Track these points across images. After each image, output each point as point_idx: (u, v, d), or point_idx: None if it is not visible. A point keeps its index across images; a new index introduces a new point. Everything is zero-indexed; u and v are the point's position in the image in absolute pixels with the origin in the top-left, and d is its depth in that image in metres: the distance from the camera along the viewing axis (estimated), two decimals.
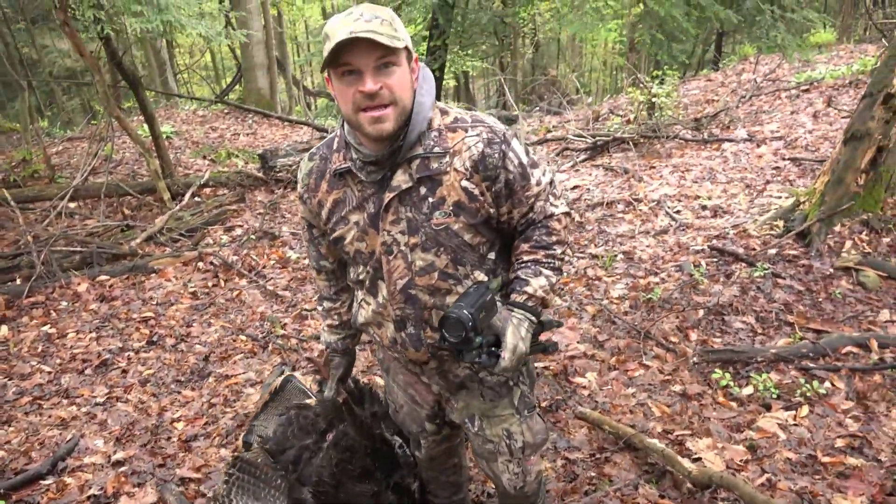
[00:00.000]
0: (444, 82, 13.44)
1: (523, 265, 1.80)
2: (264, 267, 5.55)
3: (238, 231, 6.38)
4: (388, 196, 1.68)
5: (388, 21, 1.54)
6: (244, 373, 3.99)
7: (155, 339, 4.46)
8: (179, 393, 3.82)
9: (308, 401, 2.55)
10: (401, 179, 1.67)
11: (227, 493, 2.17)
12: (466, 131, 1.68)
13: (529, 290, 1.76)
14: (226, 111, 12.24)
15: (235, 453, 2.37)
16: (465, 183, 1.67)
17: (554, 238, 1.80)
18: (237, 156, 9.11)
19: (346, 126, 1.71)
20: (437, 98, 3.04)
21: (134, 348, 4.34)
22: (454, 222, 1.69)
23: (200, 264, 5.56)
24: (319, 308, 2.16)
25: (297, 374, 3.90)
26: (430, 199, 1.67)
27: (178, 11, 5.71)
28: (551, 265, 1.80)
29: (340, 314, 2.11)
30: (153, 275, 5.40)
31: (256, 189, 7.60)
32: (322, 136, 8.52)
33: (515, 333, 1.72)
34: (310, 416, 2.33)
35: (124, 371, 4.07)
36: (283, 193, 7.42)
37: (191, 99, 14.62)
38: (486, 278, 1.80)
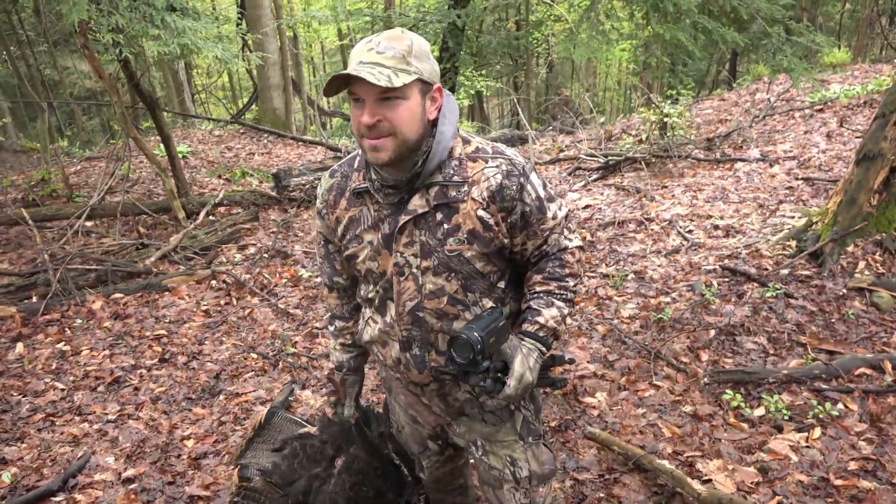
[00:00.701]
0: (459, 101, 13.44)
1: (536, 296, 1.81)
2: (276, 285, 5.59)
3: (251, 250, 6.43)
4: (403, 218, 1.69)
5: (401, 55, 1.54)
6: (254, 391, 4.01)
7: (167, 356, 4.49)
8: (190, 410, 3.84)
9: (305, 429, 2.55)
10: (417, 204, 1.69)
11: None
12: (486, 162, 1.70)
13: (541, 320, 1.76)
14: (241, 131, 12.39)
15: (240, 484, 2.36)
16: (480, 212, 1.68)
17: (567, 270, 1.81)
18: (252, 175, 9.21)
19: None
20: None
21: (146, 366, 4.37)
22: (467, 249, 1.70)
23: (213, 282, 5.61)
24: (330, 328, 2.15)
25: (306, 391, 3.93)
26: (446, 226, 1.69)
27: (195, 35, 5.81)
28: (563, 297, 1.81)
29: (353, 333, 2.11)
30: (167, 293, 5.46)
31: (270, 208, 7.68)
32: (336, 156, 8.61)
33: (524, 362, 1.71)
34: (316, 444, 2.32)
35: (136, 388, 4.11)
36: (296, 212, 7.48)
37: (207, 119, 14.81)
38: (493, 307, 1.81)
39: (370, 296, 1.88)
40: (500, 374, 1.70)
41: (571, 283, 1.83)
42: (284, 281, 5.68)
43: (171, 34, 5.60)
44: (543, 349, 1.77)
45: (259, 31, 11.73)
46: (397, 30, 1.62)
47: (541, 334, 1.77)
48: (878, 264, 4.29)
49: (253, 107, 15.55)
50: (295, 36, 17.41)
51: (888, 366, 3.49)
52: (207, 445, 3.47)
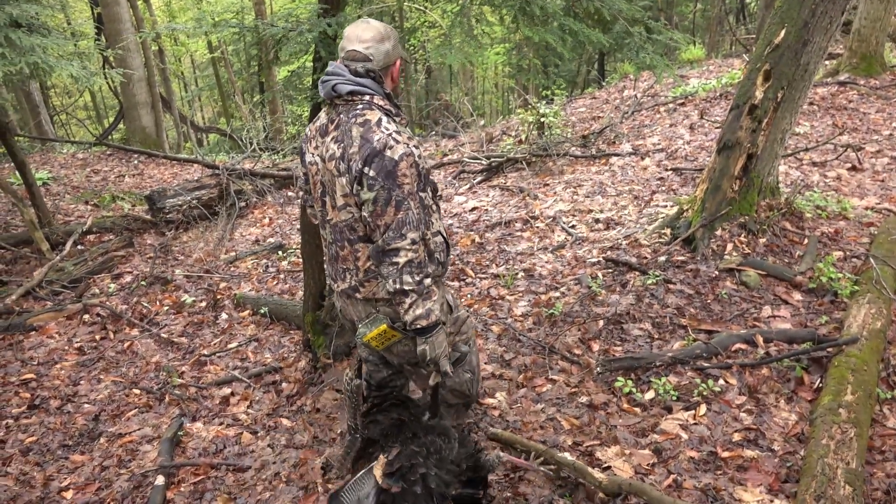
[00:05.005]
0: None
1: None
2: (157, 314, 5.27)
3: (127, 278, 6.04)
4: None
5: None
6: (139, 429, 3.75)
7: (38, 402, 4.12)
8: (67, 458, 3.54)
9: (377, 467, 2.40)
10: None
11: None
12: None
13: None
14: (108, 152, 11.64)
15: None
16: None
17: None
18: (123, 199, 8.67)
19: (390, 98, 2.41)
20: None
21: (13, 415, 3.99)
22: None
23: (86, 317, 5.21)
24: (429, 280, 2.33)
25: (197, 423, 3.71)
26: None
27: (45, 52, 5.39)
28: None
29: None
30: (33, 332, 5.02)
31: (145, 232, 7.25)
32: (215, 174, 8.23)
33: None
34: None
35: (2, 441, 3.73)
36: (174, 234, 7.11)
37: (68, 142, 13.84)
38: None
39: (433, 203, 2.47)
40: None
41: None
42: (166, 308, 5.37)
43: (17, 52, 5.15)
44: None
45: (120, 45, 11.07)
46: None
47: None
48: (743, 245, 4.59)
49: (120, 126, 14.70)
50: (161, 50, 16.60)
51: (760, 339, 3.74)
52: (89, 494, 3.21)
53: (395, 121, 2.33)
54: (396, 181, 2.21)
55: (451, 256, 2.60)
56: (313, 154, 2.44)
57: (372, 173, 2.21)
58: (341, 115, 2.33)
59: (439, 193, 2.53)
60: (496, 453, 2.50)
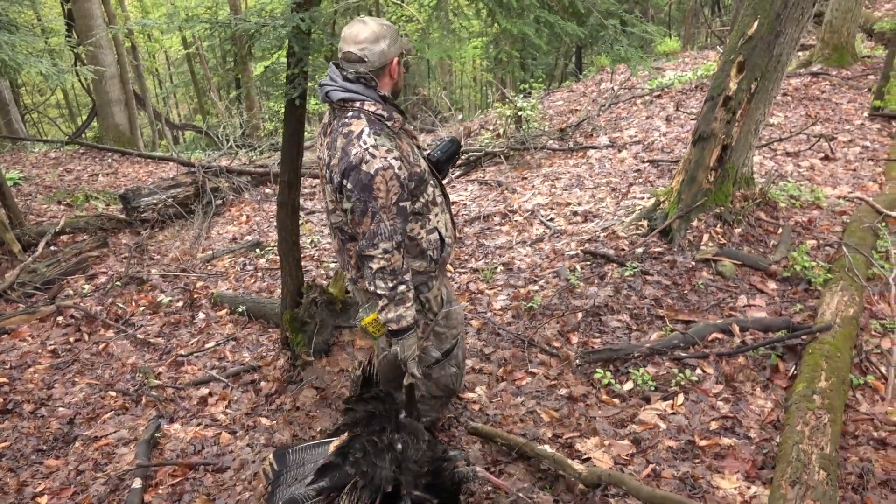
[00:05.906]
0: (311, 107, 13.21)
1: None
2: (133, 314, 5.20)
3: (102, 279, 5.94)
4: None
5: None
6: (116, 432, 3.70)
7: (10, 406, 4.04)
8: (42, 463, 3.48)
9: (335, 442, 2.52)
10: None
11: None
12: None
13: None
14: (81, 151, 11.45)
15: None
16: None
17: None
18: (96, 198, 8.53)
19: (387, 100, 2.47)
20: (302, 124, 3.82)
21: None
22: None
23: (60, 319, 5.13)
24: (402, 288, 2.45)
25: (175, 424, 3.66)
26: None
27: (13, 49, 5.27)
28: None
29: None
30: (5, 336, 4.92)
31: (120, 232, 7.14)
32: (190, 171, 8.13)
33: None
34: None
35: None
36: (149, 234, 7.01)
37: (39, 141, 13.61)
38: None
39: (437, 193, 2.64)
40: None
41: None
42: (142, 309, 5.29)
43: None
44: None
45: (92, 42, 10.88)
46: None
47: None
48: (719, 236, 4.63)
49: (93, 124, 14.48)
50: (134, 47, 16.36)
51: (736, 328, 3.78)
52: (65, 499, 3.16)
53: (386, 125, 2.41)
54: (372, 194, 2.32)
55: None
56: (319, 149, 2.58)
57: (349, 186, 2.34)
58: (335, 121, 2.46)
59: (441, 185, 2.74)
60: (472, 468, 2.52)
